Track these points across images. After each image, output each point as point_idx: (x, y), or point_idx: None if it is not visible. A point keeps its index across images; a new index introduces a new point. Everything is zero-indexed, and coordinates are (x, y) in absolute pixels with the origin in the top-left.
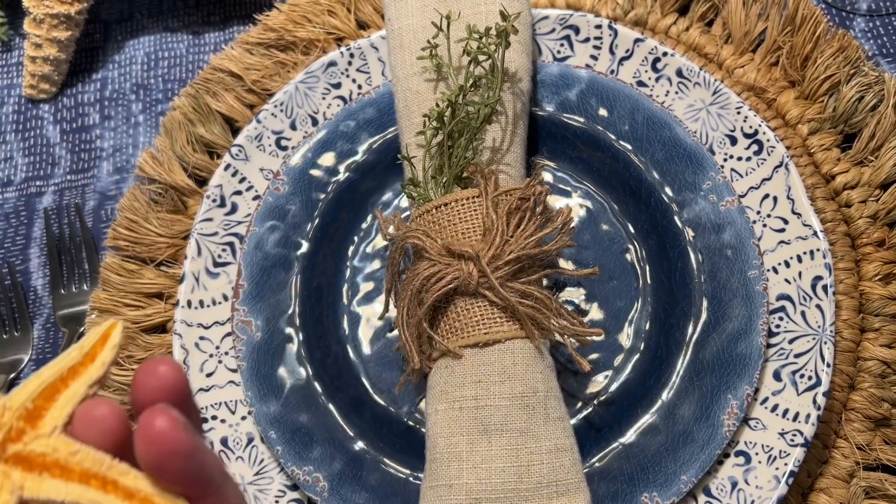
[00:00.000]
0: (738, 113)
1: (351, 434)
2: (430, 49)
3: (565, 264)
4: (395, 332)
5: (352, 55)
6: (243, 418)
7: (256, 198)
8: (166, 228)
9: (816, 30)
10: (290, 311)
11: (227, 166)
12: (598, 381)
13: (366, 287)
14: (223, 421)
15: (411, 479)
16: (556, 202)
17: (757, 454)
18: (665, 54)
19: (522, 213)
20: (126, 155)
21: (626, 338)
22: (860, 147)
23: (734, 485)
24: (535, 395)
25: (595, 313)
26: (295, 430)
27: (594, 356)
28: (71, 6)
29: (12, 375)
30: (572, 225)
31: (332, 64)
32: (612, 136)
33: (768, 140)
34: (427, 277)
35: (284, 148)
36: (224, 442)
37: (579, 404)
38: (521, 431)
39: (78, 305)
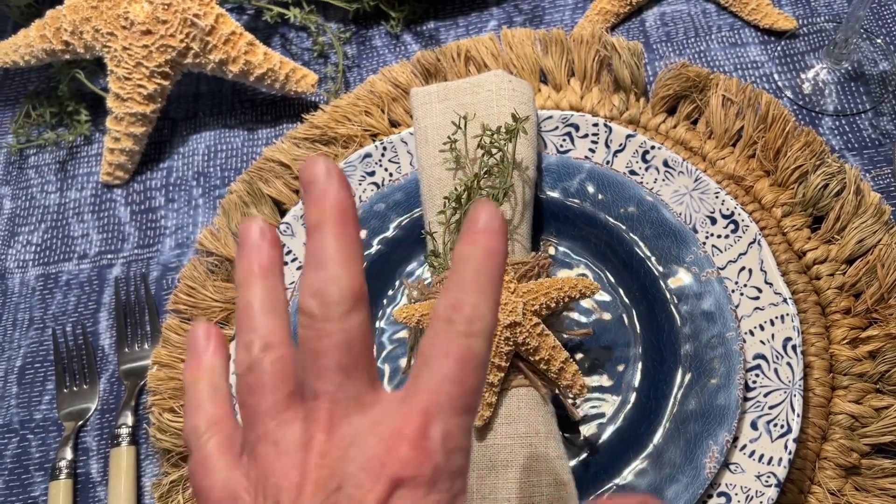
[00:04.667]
0: (717, 197)
1: None
2: (450, 143)
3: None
4: None
5: (385, 148)
6: None
7: (300, 268)
8: (221, 294)
9: (786, 127)
10: None
11: None
12: (594, 430)
13: (391, 347)
14: None
15: None
16: (560, 273)
17: (736, 494)
18: (653, 147)
19: (528, 280)
20: (186, 233)
21: (619, 391)
22: (827, 227)
23: None
24: (538, 435)
25: (593, 370)
26: None
27: (592, 406)
28: (147, 107)
29: (80, 423)
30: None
31: (368, 155)
32: (608, 217)
33: (743, 220)
34: None
35: None
36: None
37: (577, 450)
38: (524, 467)
39: (140, 361)
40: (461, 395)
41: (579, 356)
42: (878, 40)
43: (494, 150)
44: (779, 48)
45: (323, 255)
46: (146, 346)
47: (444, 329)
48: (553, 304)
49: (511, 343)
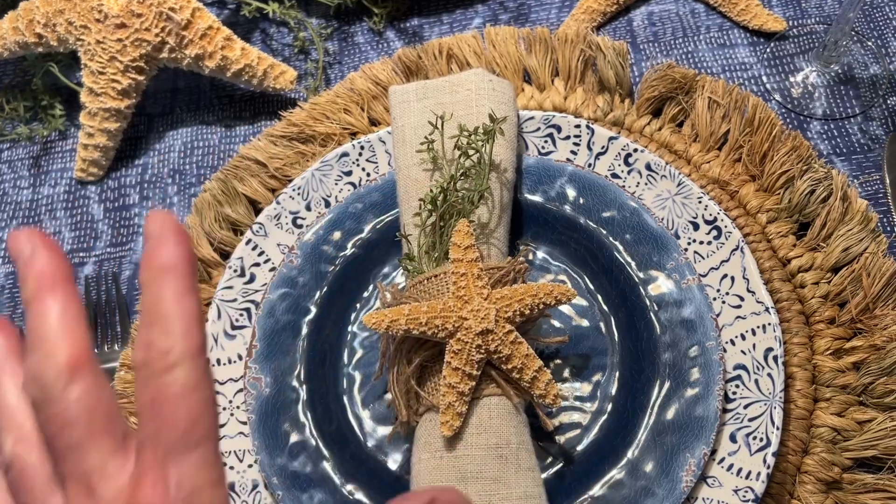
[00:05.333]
0: (700, 202)
1: (345, 482)
2: (427, 144)
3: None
4: (389, 392)
5: (362, 147)
6: (250, 466)
7: (272, 269)
8: None
9: (772, 131)
10: (297, 371)
11: (249, 241)
12: (569, 440)
13: (363, 351)
14: (232, 468)
15: None
16: (539, 279)
17: None
18: (636, 150)
19: (503, 286)
20: None
21: (596, 400)
22: (813, 234)
23: None
24: (509, 446)
25: (569, 378)
26: (295, 478)
27: (567, 417)
28: (122, 102)
29: None
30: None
31: (345, 154)
32: (589, 221)
33: (726, 226)
34: (416, 339)
35: (300, 226)
36: (232, 487)
37: (551, 460)
38: (494, 479)
39: (109, 362)
40: (181, 433)
41: (556, 363)
42: (869, 43)
43: (471, 152)
44: (768, 50)
45: (35, 334)
46: (116, 348)
47: (143, 375)
48: (527, 311)
49: (483, 351)
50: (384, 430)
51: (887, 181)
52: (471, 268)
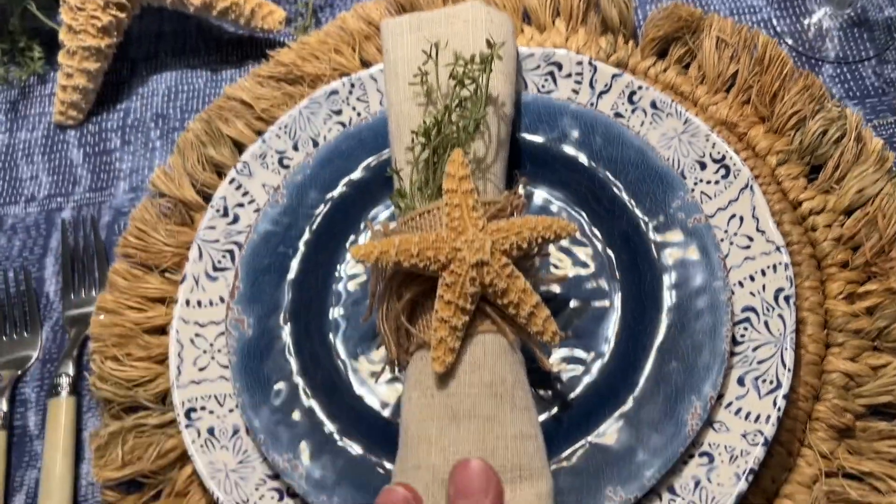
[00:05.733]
0: (707, 140)
1: (329, 424)
2: (420, 76)
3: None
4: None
5: (353, 85)
6: (230, 411)
7: (257, 211)
8: (173, 239)
9: (783, 70)
10: (281, 312)
11: (232, 180)
12: (567, 383)
13: (353, 293)
14: (211, 412)
15: (384, 466)
16: None
17: (720, 454)
18: (640, 87)
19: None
20: (142, 176)
21: (597, 342)
22: (825, 177)
23: (697, 483)
24: (504, 384)
25: (569, 320)
26: (278, 421)
27: (566, 358)
28: (101, 40)
29: (19, 372)
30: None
31: (335, 92)
32: (590, 160)
33: (735, 164)
34: (407, 273)
35: (286, 167)
36: (211, 431)
37: (548, 404)
38: (488, 418)
39: (85, 307)
40: None
41: (553, 304)
42: None
43: (468, 81)
44: None
45: None
46: (93, 294)
47: None
48: (525, 245)
49: (477, 284)
50: (373, 372)
51: None
52: (465, 198)
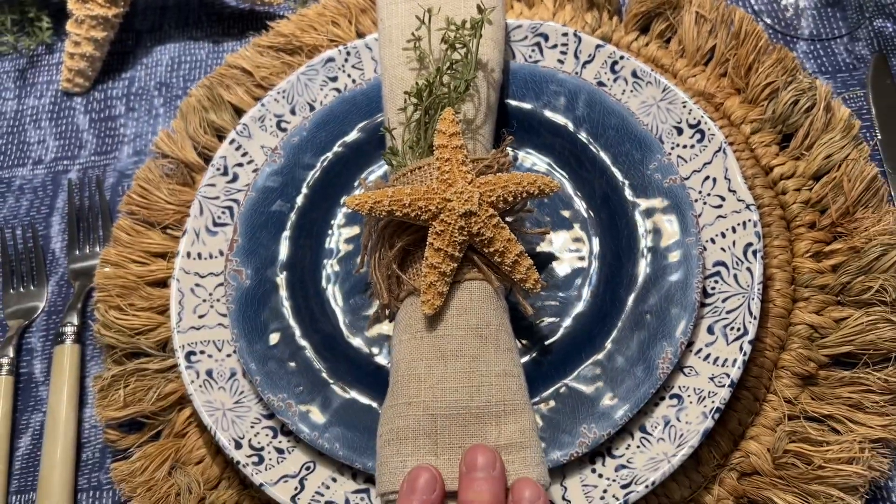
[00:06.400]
0: (684, 107)
1: (322, 368)
2: (413, 41)
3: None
4: (371, 283)
5: (348, 53)
6: (228, 356)
7: (256, 170)
8: (175, 197)
9: (758, 44)
10: (278, 263)
11: (232, 141)
12: (548, 328)
13: (346, 247)
14: (210, 356)
15: (374, 407)
16: None
17: (689, 396)
18: (622, 58)
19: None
20: (145, 140)
21: (576, 292)
22: (796, 144)
23: (667, 422)
24: (489, 327)
25: (550, 272)
26: (273, 365)
27: (545, 305)
28: (109, 10)
29: (26, 323)
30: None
31: (331, 60)
32: (574, 126)
33: (709, 129)
34: (398, 224)
35: (284, 130)
36: (209, 373)
37: (529, 348)
38: (473, 357)
39: (90, 260)
40: None
41: (537, 258)
42: None
43: (458, 45)
44: None
45: None
46: (97, 249)
47: None
48: (511, 198)
49: (465, 233)
50: (364, 323)
51: (871, 97)
52: (455, 154)
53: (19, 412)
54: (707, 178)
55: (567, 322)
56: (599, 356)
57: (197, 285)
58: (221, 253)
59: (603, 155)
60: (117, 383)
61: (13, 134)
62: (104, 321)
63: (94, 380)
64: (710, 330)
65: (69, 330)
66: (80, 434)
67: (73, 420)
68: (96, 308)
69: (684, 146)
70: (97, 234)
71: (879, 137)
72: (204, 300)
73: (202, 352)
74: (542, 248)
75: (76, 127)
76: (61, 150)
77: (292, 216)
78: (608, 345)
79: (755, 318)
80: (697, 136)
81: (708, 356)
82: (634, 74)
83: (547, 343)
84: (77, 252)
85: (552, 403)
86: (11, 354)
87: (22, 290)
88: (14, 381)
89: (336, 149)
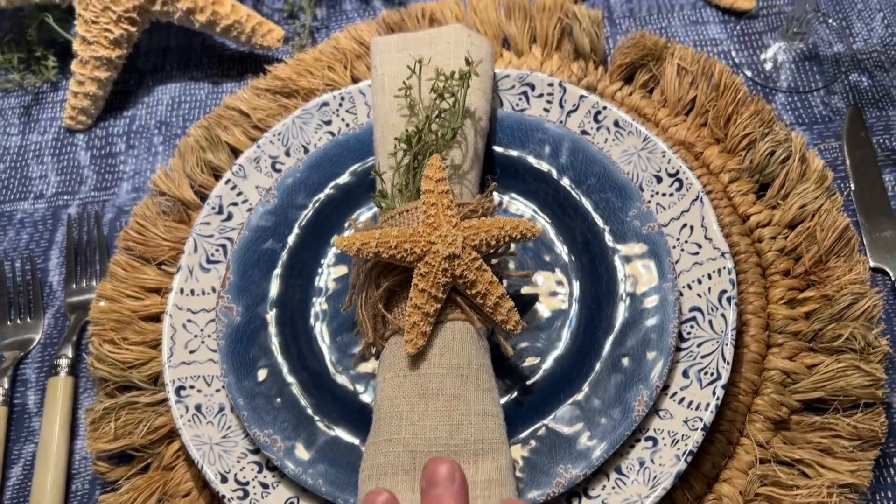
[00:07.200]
0: (664, 156)
1: (308, 405)
2: (405, 89)
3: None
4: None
5: (342, 98)
6: (217, 391)
7: (250, 209)
8: (171, 234)
9: (737, 95)
10: (269, 301)
11: (228, 181)
12: (529, 369)
13: (335, 286)
14: (199, 391)
15: (357, 445)
16: None
17: (663, 438)
18: (605, 108)
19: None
20: (144, 178)
21: (556, 334)
22: (772, 193)
23: (642, 464)
24: (470, 367)
25: (532, 314)
26: (261, 401)
27: (529, 344)
28: (112, 52)
29: (22, 354)
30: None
31: (325, 104)
32: (556, 171)
33: (687, 178)
34: (385, 265)
35: (278, 171)
36: (198, 408)
37: (510, 388)
38: (454, 396)
39: (86, 294)
40: None
41: (519, 300)
42: (833, 23)
43: (447, 95)
44: (738, 27)
45: None
46: (94, 283)
47: None
48: (493, 242)
49: (449, 275)
50: (351, 359)
51: (845, 148)
52: (441, 198)
53: (12, 442)
54: (685, 225)
55: (547, 363)
56: (578, 397)
57: (189, 321)
58: (214, 289)
59: (585, 201)
60: (109, 416)
61: (16, 168)
62: (98, 354)
63: (87, 412)
64: (685, 374)
65: (63, 362)
66: (70, 465)
67: (64, 451)
68: (90, 341)
69: (663, 194)
70: (94, 269)
71: (853, 188)
72: (195, 336)
73: (192, 386)
74: (525, 290)
75: (77, 163)
76: (62, 185)
77: (284, 255)
78: (586, 387)
79: (728, 363)
80: (676, 184)
81: (682, 399)
82: (616, 124)
83: (527, 383)
84: (74, 286)
85: (532, 444)
86: (6, 385)
87: (19, 321)
88: (8, 412)
89: (328, 190)
